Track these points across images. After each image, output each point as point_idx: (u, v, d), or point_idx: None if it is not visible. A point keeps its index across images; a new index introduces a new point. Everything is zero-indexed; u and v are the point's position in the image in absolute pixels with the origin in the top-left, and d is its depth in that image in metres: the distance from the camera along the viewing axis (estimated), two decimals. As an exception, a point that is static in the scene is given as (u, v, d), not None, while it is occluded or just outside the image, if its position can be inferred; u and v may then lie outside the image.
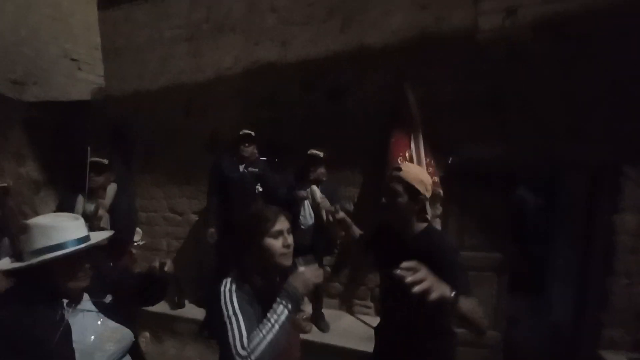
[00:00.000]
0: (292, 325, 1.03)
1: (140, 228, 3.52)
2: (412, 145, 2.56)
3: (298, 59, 2.96)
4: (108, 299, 1.13)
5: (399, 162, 2.56)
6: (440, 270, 1.00)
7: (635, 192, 2.27)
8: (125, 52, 3.61)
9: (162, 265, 1.19)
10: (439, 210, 2.65)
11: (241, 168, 2.76)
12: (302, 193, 2.54)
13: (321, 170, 2.55)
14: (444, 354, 1.37)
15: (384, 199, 1.34)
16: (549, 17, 2.32)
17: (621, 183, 2.29)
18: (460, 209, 2.78)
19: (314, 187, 2.54)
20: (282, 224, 1.09)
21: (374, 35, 2.74)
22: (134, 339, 1.16)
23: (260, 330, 0.95)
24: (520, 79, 2.43)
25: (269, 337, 0.94)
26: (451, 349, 1.40)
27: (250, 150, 2.75)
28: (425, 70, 2.61)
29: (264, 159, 2.87)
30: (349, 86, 2.85)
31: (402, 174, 1.30)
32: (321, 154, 2.53)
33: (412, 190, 1.28)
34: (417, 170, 1.38)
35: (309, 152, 2.55)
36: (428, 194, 1.30)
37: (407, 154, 2.55)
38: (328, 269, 2.93)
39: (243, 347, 0.91)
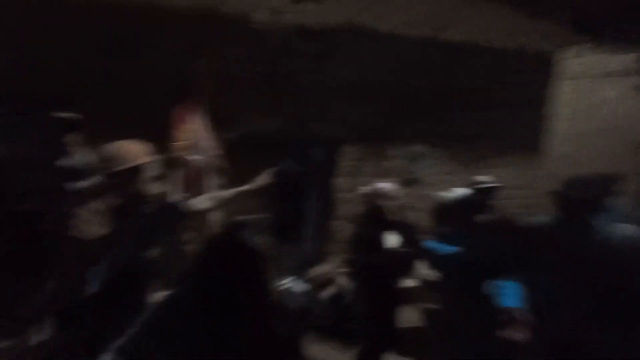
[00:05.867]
0: None
1: None
2: (197, 118, 2.62)
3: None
4: None
5: (179, 132, 2.57)
6: None
7: (346, 163, 3.50)
8: None
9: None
10: (223, 180, 2.90)
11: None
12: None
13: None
14: None
15: None
16: (304, 23, 3.02)
17: (338, 156, 3.45)
18: (240, 178, 3.17)
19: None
20: None
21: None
22: None
23: None
24: (287, 66, 3.04)
25: None
26: None
27: None
28: (216, 45, 2.71)
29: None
30: (136, 45, 2.52)
31: None
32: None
33: None
34: None
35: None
36: None
37: (188, 126, 2.58)
38: None
39: None
